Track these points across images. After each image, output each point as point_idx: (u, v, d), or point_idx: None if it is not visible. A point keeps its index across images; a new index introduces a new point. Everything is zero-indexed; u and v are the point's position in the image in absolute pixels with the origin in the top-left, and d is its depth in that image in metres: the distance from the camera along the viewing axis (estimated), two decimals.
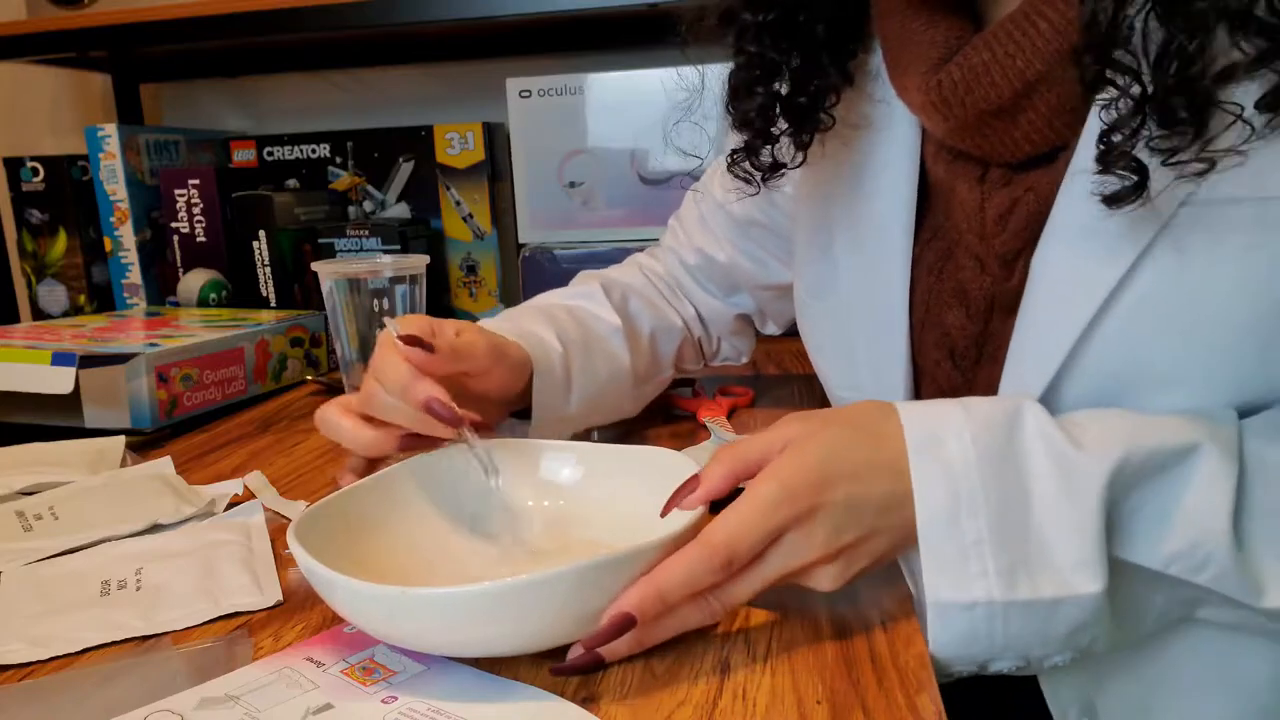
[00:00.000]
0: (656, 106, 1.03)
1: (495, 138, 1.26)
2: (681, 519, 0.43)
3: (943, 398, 0.46)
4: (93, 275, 1.27)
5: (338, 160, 1.29)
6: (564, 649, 0.40)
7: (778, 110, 0.55)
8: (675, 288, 0.79)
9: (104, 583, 0.50)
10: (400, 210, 1.29)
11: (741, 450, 0.44)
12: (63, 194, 1.24)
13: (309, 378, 0.97)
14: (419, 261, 0.73)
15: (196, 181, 1.19)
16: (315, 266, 0.72)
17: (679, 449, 0.53)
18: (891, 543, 0.43)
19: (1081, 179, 0.42)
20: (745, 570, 0.41)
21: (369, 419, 0.53)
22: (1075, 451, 0.41)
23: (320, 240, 1.15)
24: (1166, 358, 0.44)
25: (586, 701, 0.38)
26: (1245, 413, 0.44)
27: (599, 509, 0.52)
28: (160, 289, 1.26)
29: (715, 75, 0.58)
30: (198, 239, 1.20)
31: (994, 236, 0.50)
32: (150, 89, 1.42)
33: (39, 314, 1.28)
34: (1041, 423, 0.43)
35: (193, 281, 1.17)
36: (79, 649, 0.44)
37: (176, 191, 1.19)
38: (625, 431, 0.74)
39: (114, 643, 0.44)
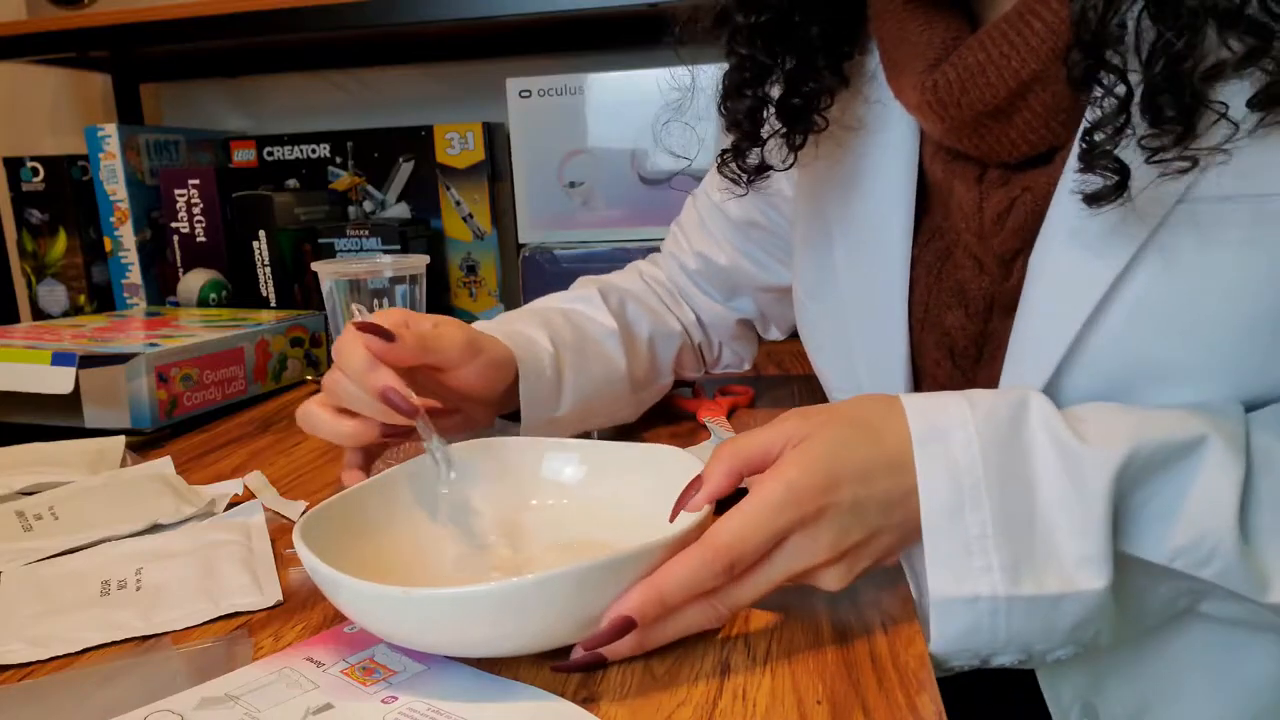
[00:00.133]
0: (656, 106, 1.02)
1: (495, 138, 1.27)
2: (686, 519, 0.42)
3: None
4: (93, 275, 1.27)
5: (338, 160, 1.29)
6: (566, 649, 0.40)
7: (766, 113, 0.56)
8: (676, 293, 0.79)
9: (104, 583, 0.50)
10: (400, 210, 1.29)
11: (742, 447, 0.44)
12: (63, 194, 1.24)
13: (309, 378, 0.97)
14: (419, 261, 0.73)
15: (196, 181, 1.19)
16: (315, 266, 0.72)
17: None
18: (897, 539, 0.42)
19: (1078, 179, 0.43)
20: (749, 573, 0.41)
21: (347, 411, 0.53)
22: (1081, 445, 0.41)
23: (320, 240, 1.15)
24: (1166, 355, 0.44)
25: (586, 702, 0.38)
26: (1248, 409, 0.44)
27: (601, 508, 0.52)
28: (160, 289, 1.26)
29: (709, 76, 0.59)
30: (198, 239, 1.20)
31: (992, 236, 0.50)
32: (150, 89, 1.42)
33: (39, 314, 1.28)
34: (1047, 415, 0.42)
35: (193, 281, 1.17)
36: (79, 649, 0.44)
37: (176, 191, 1.19)
38: (624, 430, 0.74)
39: (114, 643, 0.44)
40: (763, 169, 0.58)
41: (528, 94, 1.11)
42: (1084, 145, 0.40)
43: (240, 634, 0.45)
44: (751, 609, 0.45)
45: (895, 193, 0.55)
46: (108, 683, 0.41)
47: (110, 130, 1.19)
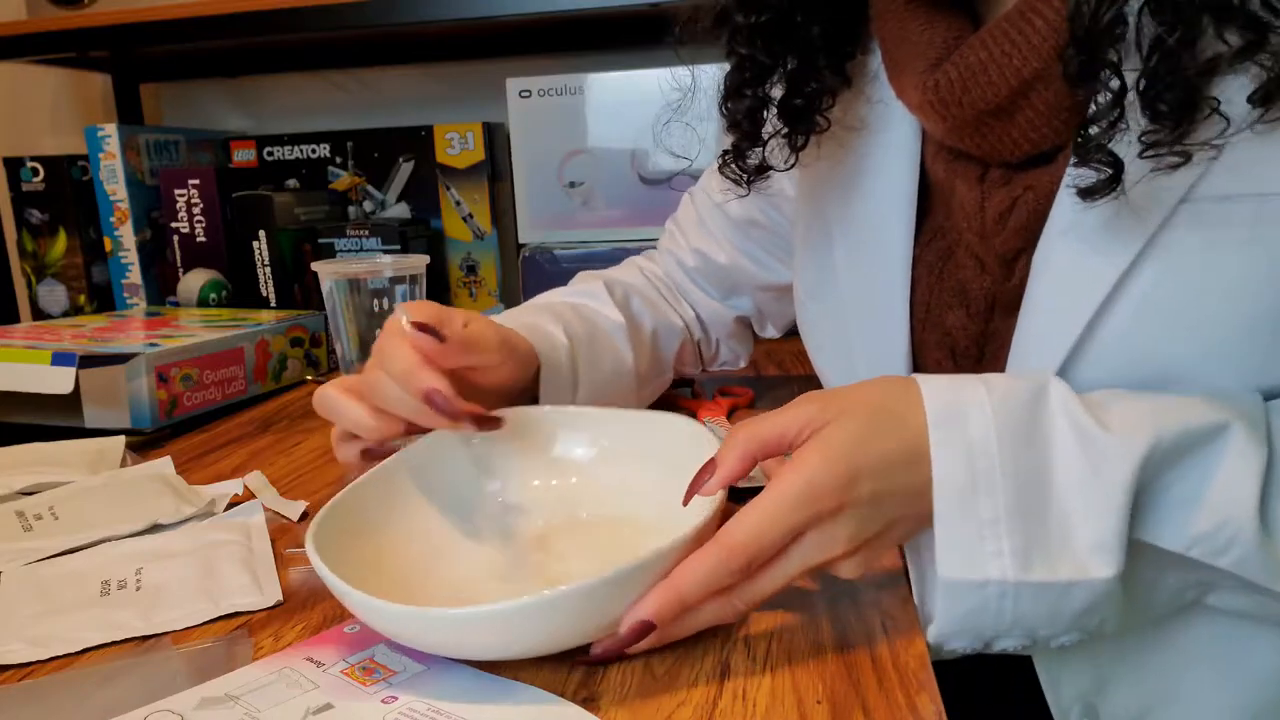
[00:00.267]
0: (656, 106, 1.01)
1: (495, 138, 1.27)
2: (699, 512, 0.42)
3: None
4: (93, 275, 1.27)
5: (338, 160, 1.29)
6: (573, 650, 0.40)
7: (766, 113, 0.55)
8: (674, 289, 0.79)
9: (104, 583, 0.50)
10: (400, 210, 1.29)
11: (756, 431, 0.43)
12: (63, 194, 1.24)
13: (309, 378, 0.97)
14: (419, 261, 0.73)
15: (196, 181, 1.19)
16: (315, 266, 0.72)
17: None
18: (914, 526, 0.42)
19: (1074, 174, 0.42)
20: (766, 567, 0.40)
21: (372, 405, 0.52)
22: (1104, 433, 0.40)
23: (320, 240, 1.15)
24: (1169, 354, 0.43)
25: (587, 702, 0.38)
26: None
27: (609, 482, 0.52)
28: (160, 289, 1.26)
29: (710, 76, 0.58)
30: (198, 239, 1.20)
31: (994, 236, 0.50)
32: (150, 89, 1.42)
33: (39, 314, 1.28)
34: (1066, 400, 0.42)
35: (193, 281, 1.17)
36: (79, 649, 0.44)
37: (176, 191, 1.19)
38: None
39: (114, 643, 0.44)
40: (763, 169, 0.58)
41: (528, 94, 1.11)
42: (1079, 139, 0.40)
43: (240, 634, 0.45)
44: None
45: (897, 192, 0.55)
46: (108, 683, 0.41)
47: (110, 130, 1.19)
